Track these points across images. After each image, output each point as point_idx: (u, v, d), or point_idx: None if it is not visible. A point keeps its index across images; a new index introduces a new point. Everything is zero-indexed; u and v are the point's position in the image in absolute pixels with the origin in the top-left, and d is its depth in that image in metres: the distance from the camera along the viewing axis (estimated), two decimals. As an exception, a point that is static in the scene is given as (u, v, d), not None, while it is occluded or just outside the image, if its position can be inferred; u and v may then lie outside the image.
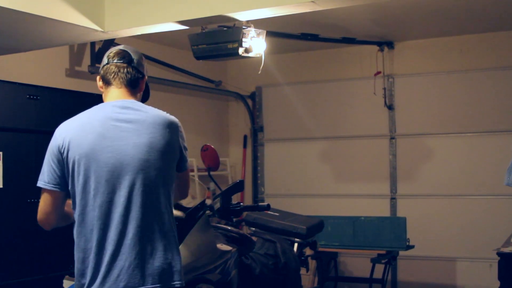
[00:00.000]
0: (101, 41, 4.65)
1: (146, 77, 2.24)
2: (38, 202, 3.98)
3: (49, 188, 2.09)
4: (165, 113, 2.16)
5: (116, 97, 2.14)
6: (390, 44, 5.88)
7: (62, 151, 2.07)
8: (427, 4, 4.64)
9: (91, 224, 2.02)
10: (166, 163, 2.07)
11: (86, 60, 4.86)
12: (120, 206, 2.00)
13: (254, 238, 3.42)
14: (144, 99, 2.30)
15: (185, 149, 2.18)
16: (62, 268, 3.97)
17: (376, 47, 5.87)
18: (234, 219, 3.49)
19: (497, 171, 5.32)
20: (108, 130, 2.04)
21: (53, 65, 4.65)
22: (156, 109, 2.15)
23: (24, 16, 3.03)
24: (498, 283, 3.62)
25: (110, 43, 4.75)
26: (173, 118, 2.14)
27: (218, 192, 3.18)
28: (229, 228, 3.25)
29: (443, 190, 5.63)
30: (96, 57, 4.81)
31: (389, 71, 5.89)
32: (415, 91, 5.89)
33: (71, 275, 3.81)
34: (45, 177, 2.10)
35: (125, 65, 2.15)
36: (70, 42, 4.21)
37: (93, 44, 4.80)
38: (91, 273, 2.00)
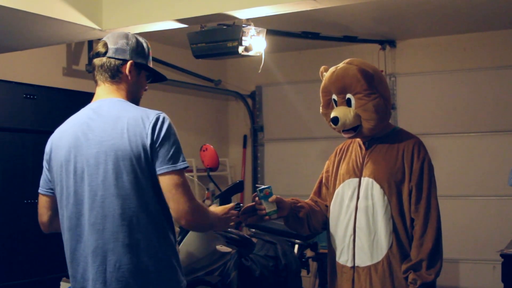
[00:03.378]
0: (98, 39, 4.60)
1: (131, 61, 2.04)
2: (35, 203, 3.97)
3: (42, 192, 2.13)
4: (134, 112, 1.95)
5: (97, 96, 2.07)
6: (392, 43, 5.84)
7: (47, 159, 2.09)
8: (430, 2, 4.60)
9: (64, 234, 2.01)
10: (127, 169, 1.89)
11: (84, 59, 4.83)
12: (85, 218, 1.93)
13: (254, 240, 3.41)
14: (155, 80, 2.19)
15: (160, 144, 1.91)
16: (60, 270, 3.93)
17: (377, 46, 5.83)
18: (234, 220, 3.45)
19: (500, 171, 5.28)
20: (78, 138, 1.97)
21: (50, 64, 4.61)
22: (128, 109, 1.97)
23: (20, 14, 3.00)
24: (501, 285, 3.59)
25: (108, 41, 4.71)
26: (139, 115, 1.93)
27: (217, 192, 3.14)
28: (229, 229, 3.22)
29: (446, 190, 5.57)
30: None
31: (391, 70, 5.85)
32: (417, 90, 5.84)
33: (68, 277, 3.80)
34: (41, 181, 2.13)
35: (100, 58, 2.04)
36: (68, 41, 4.17)
37: (90, 42, 4.76)
38: (71, 283, 2.01)
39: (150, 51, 2.14)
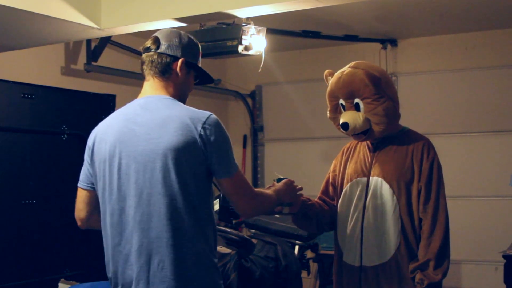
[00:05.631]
0: (97, 38, 4.59)
1: (183, 59, 2.02)
2: (33, 203, 3.95)
3: (82, 187, 2.09)
4: (185, 111, 1.93)
5: (145, 92, 2.05)
6: (393, 42, 5.81)
7: (89, 153, 2.05)
8: (431, 1, 4.57)
9: (106, 230, 1.99)
10: (176, 169, 1.86)
11: (82, 58, 4.78)
12: (129, 216, 1.91)
13: (254, 241, 3.37)
14: (202, 82, 2.18)
15: (216, 148, 1.90)
16: (58, 271, 3.91)
17: (379, 45, 5.80)
18: (234, 221, 3.43)
19: (502, 172, 5.25)
20: (124, 134, 1.94)
21: (48, 63, 4.57)
22: (178, 108, 1.95)
23: (18, 13, 2.97)
24: (504, 286, 3.57)
25: (106, 40, 4.69)
26: (189, 115, 1.91)
27: (217, 193, 3.11)
28: (228, 230, 3.20)
29: (447, 191, 5.49)
30: (92, 55, 4.74)
31: (392, 69, 5.81)
32: (419, 89, 5.81)
33: (67, 278, 3.78)
34: (81, 175, 2.10)
35: (151, 53, 2.03)
36: (66, 40, 4.15)
37: (89, 41, 4.73)
38: (112, 280, 2.00)
39: (201, 52, 2.14)
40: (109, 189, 1.95)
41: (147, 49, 2.04)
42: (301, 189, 2.39)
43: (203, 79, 2.18)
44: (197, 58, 2.11)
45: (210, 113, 1.94)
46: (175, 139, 1.87)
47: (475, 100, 5.58)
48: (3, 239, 3.70)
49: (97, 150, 2.01)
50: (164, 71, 2.02)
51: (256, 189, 2.06)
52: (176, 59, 2.02)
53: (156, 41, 2.03)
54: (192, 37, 2.10)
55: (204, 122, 1.90)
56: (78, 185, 2.10)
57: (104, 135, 2.00)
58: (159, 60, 2.02)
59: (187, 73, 2.06)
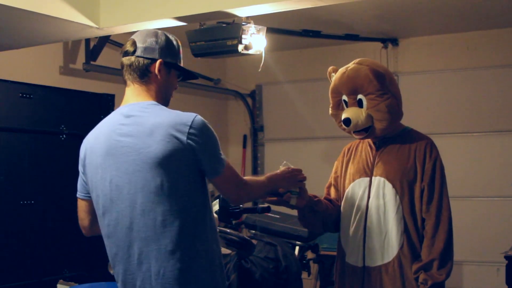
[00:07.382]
0: (96, 38, 4.57)
1: (161, 60, 1.99)
2: (32, 204, 3.94)
3: (81, 197, 2.09)
4: (170, 117, 1.91)
5: (127, 99, 2.02)
6: (394, 41, 5.78)
7: (83, 164, 2.05)
8: (432, 0, 4.55)
9: (105, 240, 2.00)
10: (167, 177, 1.86)
11: (81, 57, 4.76)
12: (125, 226, 1.92)
13: (254, 241, 3.36)
14: (186, 78, 2.16)
15: (205, 150, 1.90)
16: (57, 272, 3.90)
17: (380, 44, 5.78)
18: (234, 222, 3.41)
19: (505, 172, 5.23)
20: (111, 146, 1.94)
21: (47, 62, 4.55)
22: (163, 114, 1.93)
23: (17, 12, 2.95)
24: (505, 288, 3.55)
25: (105, 40, 4.67)
26: (174, 121, 1.89)
27: (217, 193, 3.09)
28: (228, 231, 3.19)
29: (449, 191, 5.53)
30: (91, 54, 4.72)
31: (393, 69, 5.78)
32: (420, 89, 5.79)
33: (65, 279, 3.76)
34: (78, 186, 2.10)
35: (129, 57, 2.00)
36: (64, 39, 4.13)
37: (88, 41, 4.71)
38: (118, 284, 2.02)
39: (181, 49, 2.10)
40: (102, 200, 1.96)
41: (125, 53, 2.02)
42: (304, 178, 2.35)
43: (186, 75, 2.15)
44: (177, 56, 2.07)
45: (195, 114, 1.92)
46: (163, 147, 1.86)
47: (477, 100, 5.56)
48: (1, 240, 3.69)
49: (89, 162, 2.00)
50: (143, 75, 2.00)
51: (245, 178, 2.06)
52: (153, 61, 2.00)
53: (133, 44, 2.01)
54: (170, 36, 2.07)
55: (190, 127, 1.88)
56: (77, 195, 2.11)
57: (93, 147, 2.00)
58: (137, 64, 1.99)
59: (168, 73, 2.04)
